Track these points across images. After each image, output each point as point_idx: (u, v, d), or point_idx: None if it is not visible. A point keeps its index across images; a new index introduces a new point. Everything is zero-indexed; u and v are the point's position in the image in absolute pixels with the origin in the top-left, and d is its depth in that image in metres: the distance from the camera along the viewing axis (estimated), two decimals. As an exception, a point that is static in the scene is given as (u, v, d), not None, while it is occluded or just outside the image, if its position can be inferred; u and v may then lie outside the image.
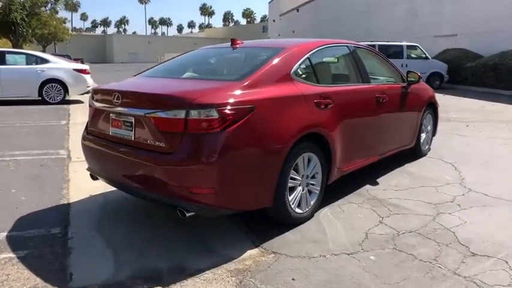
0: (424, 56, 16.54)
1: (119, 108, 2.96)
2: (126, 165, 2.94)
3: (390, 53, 16.01)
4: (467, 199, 3.91)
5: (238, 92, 2.79)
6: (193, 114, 2.59)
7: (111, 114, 3.09)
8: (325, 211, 3.59)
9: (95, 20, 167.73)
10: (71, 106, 10.75)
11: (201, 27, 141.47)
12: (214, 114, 2.59)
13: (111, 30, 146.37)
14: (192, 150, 2.60)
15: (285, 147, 2.94)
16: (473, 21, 18.89)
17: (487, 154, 5.74)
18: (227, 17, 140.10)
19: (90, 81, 11.15)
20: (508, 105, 11.65)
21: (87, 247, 2.97)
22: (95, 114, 3.28)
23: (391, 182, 4.47)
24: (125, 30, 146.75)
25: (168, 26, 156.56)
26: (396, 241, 3.04)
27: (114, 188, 4.07)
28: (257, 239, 3.06)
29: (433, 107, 5.60)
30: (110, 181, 3.26)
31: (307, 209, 3.33)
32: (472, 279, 2.52)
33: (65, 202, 3.84)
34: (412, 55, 16.58)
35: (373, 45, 15.94)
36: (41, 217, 3.48)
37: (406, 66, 15.92)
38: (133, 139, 2.91)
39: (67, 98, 11.13)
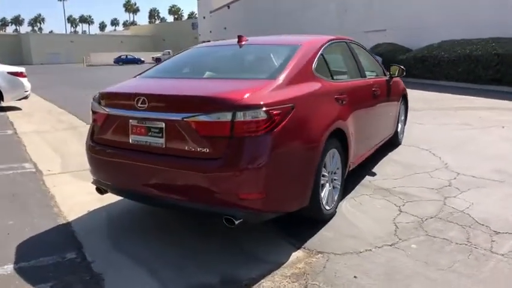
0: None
1: (145, 114, 2.70)
2: (157, 175, 2.70)
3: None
4: (461, 182, 4.19)
5: (278, 91, 2.69)
6: (241, 116, 2.44)
7: (130, 121, 2.80)
8: (344, 205, 3.63)
9: (4, 18, 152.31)
10: (9, 113, 9.64)
11: (125, 24, 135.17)
12: (262, 115, 2.47)
13: (24, 29, 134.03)
14: (240, 154, 2.46)
15: (320, 145, 2.91)
16: (401, 17, 20.32)
17: (452, 139, 6.20)
18: (153, 14, 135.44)
19: (28, 86, 10.08)
20: (442, 94, 12.70)
21: (117, 270, 2.68)
22: (106, 121, 2.95)
23: (385, 171, 4.64)
24: (40, 29, 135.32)
25: (89, 24, 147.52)
26: (425, 228, 3.16)
27: (112, 202, 3.81)
28: (296, 241, 2.99)
29: (405, 98, 5.92)
30: (130, 194, 2.98)
31: (333, 205, 3.33)
32: (510, 256, 2.71)
33: (63, 222, 3.43)
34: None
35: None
36: (45, 242, 3.08)
37: (345, 60, 16.69)
38: (164, 146, 2.67)
39: (2, 104, 9.95)
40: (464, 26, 16.02)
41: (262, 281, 2.51)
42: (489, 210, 3.45)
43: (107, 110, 2.93)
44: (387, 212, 3.48)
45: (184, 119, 2.54)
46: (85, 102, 13.70)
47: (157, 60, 50.46)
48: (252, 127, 2.45)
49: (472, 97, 11.60)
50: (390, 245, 2.90)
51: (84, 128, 7.84)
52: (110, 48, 66.32)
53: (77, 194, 4.10)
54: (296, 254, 2.82)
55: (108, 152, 2.95)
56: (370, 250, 2.84)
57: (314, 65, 3.23)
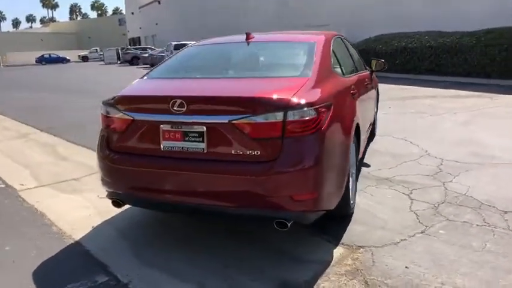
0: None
1: (182, 117, 2.50)
2: (198, 182, 2.53)
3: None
4: (449, 167, 4.48)
5: (316, 89, 2.65)
6: (292, 115, 2.37)
7: (162, 126, 2.59)
8: (357, 197, 3.70)
9: None
10: None
11: (43, 21, 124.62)
12: (312, 114, 2.42)
13: None
14: (294, 155, 2.39)
15: (351, 140, 2.94)
16: (344, 11, 21.14)
17: (419, 128, 6.61)
18: (74, 9, 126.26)
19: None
20: (384, 85, 13.39)
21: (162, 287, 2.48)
22: (129, 128, 2.69)
23: (376, 161, 4.81)
24: None
25: (0, 21, 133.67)
26: (441, 213, 3.33)
27: (114, 215, 3.51)
28: (330, 237, 3.00)
29: (377, 90, 6.18)
30: (160, 204, 2.77)
31: (354, 199, 3.38)
32: (526, 233, 2.96)
33: (71, 241, 3.09)
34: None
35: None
36: (63, 266, 2.75)
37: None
38: (205, 151, 2.50)
39: None
40: (400, 21, 17.08)
41: (319, 281, 2.48)
42: (487, 192, 3.73)
43: (131, 115, 2.67)
44: (400, 201, 3.61)
45: (232, 122, 2.40)
46: (23, 105, 12.61)
47: (85, 59, 47.43)
48: (303, 126, 2.39)
49: (413, 87, 12.45)
50: (421, 233, 3.02)
51: (36, 135, 7.15)
52: (28, 46, 60.82)
53: (69, 209, 3.72)
54: (338, 251, 2.83)
55: (132, 161, 2.71)
56: (406, 240, 2.93)
57: (331, 62, 3.23)
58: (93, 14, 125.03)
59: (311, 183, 2.43)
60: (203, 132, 2.49)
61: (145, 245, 3.02)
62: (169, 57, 3.58)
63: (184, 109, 2.47)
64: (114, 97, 2.81)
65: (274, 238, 3.03)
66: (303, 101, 2.41)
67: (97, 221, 3.45)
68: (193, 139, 2.52)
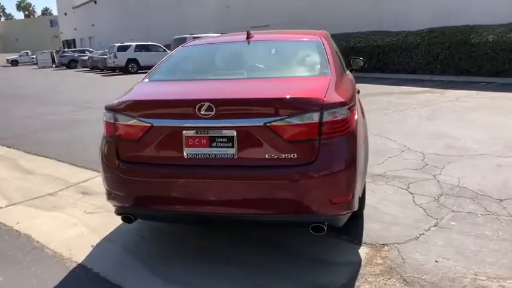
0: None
1: (210, 122, 2.32)
2: (228, 191, 2.37)
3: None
4: (432, 160, 4.67)
5: (340, 87, 2.60)
6: (328, 115, 2.29)
7: (185, 131, 2.39)
8: (361, 195, 3.72)
9: None
10: None
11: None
12: (346, 113, 2.36)
13: None
14: (332, 156, 2.32)
15: (368, 138, 2.93)
16: (283, 12, 21.43)
17: (389, 124, 6.85)
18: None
19: None
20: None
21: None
22: (145, 135, 2.45)
23: (362, 158, 4.89)
24: None
25: None
26: (445, 205, 3.44)
27: (111, 230, 3.23)
28: (351, 238, 2.97)
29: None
30: (183, 216, 2.57)
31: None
32: (527, 218, 3.14)
33: (74, 265, 2.78)
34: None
35: (210, 37, 16.39)
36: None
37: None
38: (235, 157, 2.35)
39: None
40: (347, 21, 17.67)
41: (357, 284, 2.44)
42: (477, 182, 3.92)
43: (149, 121, 2.43)
44: (402, 196, 3.68)
45: (267, 124, 2.27)
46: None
47: (14, 63, 43.77)
48: (338, 126, 2.33)
49: (364, 84, 12.89)
50: (435, 226, 3.09)
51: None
52: None
53: (56, 229, 3.35)
54: (363, 251, 2.81)
55: (149, 172, 2.48)
56: (424, 234, 2.98)
57: (339, 60, 3.21)
58: (19, 15, 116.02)
59: (348, 184, 2.38)
60: (233, 136, 2.34)
61: (159, 261, 2.79)
62: (167, 58, 3.34)
63: (212, 113, 2.30)
64: (123, 102, 2.55)
65: (294, 242, 2.95)
66: (337, 100, 2.34)
67: (94, 239, 3.14)
68: (221, 144, 2.36)
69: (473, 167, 4.39)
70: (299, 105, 2.29)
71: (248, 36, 3.34)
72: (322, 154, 2.30)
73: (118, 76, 21.05)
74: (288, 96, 2.34)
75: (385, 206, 3.50)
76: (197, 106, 2.31)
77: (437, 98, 9.40)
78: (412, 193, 3.75)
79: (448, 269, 2.52)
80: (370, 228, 3.11)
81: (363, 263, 2.66)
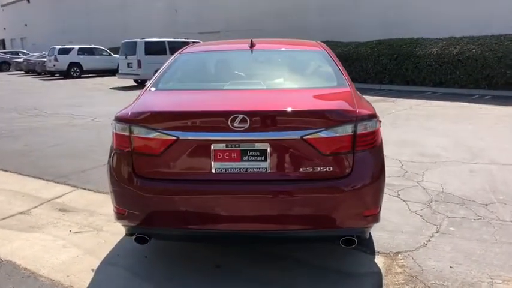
0: (207, 51, 17.71)
1: (243, 135, 2.21)
2: (262, 206, 2.28)
3: (179, 49, 16.29)
4: (411, 167, 4.88)
5: (361, 99, 2.62)
6: (361, 128, 2.29)
7: (213, 145, 2.25)
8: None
9: None
10: None
11: None
12: (375, 126, 2.38)
13: None
14: (365, 169, 2.33)
15: None
16: (235, 20, 21.50)
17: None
18: None
19: None
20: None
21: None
22: (169, 149, 2.28)
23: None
24: None
25: None
26: (439, 211, 3.60)
27: (108, 251, 2.97)
28: (364, 248, 2.99)
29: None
30: (207, 235, 2.42)
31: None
32: (510, 221, 3.38)
33: (78, 292, 2.50)
34: (196, 51, 17.41)
35: (163, 42, 15.96)
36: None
37: (195, 61, 16.73)
38: (268, 171, 2.26)
39: None
40: (295, 31, 18.10)
41: (384, 295, 2.45)
42: (458, 188, 4.16)
43: (175, 134, 2.26)
44: (397, 204, 3.80)
45: (304, 137, 2.21)
46: None
47: None
48: (369, 139, 2.34)
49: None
50: (437, 233, 3.21)
51: None
52: None
53: (42, 252, 3.02)
54: (379, 260, 2.84)
55: (172, 188, 2.30)
56: (430, 241, 3.09)
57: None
58: None
59: (378, 196, 2.40)
60: (266, 150, 2.25)
61: (173, 284, 2.60)
62: (169, 66, 3.14)
63: (246, 125, 2.20)
64: (141, 113, 2.36)
65: (310, 255, 2.91)
66: (368, 113, 2.35)
67: (92, 262, 2.87)
68: (253, 158, 2.26)
69: (449, 173, 4.65)
70: (335, 118, 2.27)
71: (252, 45, 3.26)
72: (357, 167, 2.29)
73: (59, 80, 19.75)
74: (325, 109, 2.32)
75: (384, 214, 3.54)
76: (230, 118, 2.20)
77: (392, 106, 9.90)
78: (404, 200, 3.88)
79: (464, 274, 2.62)
80: (378, 236, 3.16)
81: (383, 272, 2.69)
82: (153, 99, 2.62)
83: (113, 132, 2.50)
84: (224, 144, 2.26)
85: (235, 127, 2.21)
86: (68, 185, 4.49)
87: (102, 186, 4.39)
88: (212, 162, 2.28)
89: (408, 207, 3.71)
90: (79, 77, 20.70)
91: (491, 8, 13.23)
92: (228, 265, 2.81)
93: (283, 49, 3.54)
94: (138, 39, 15.35)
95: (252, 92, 2.68)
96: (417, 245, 3.02)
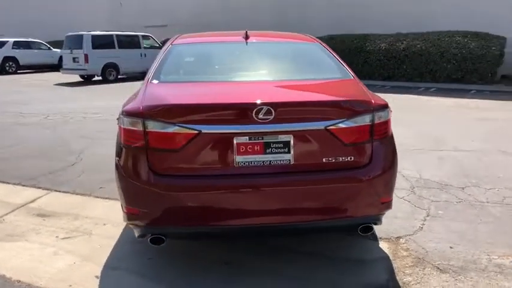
0: (157, 45, 17.15)
1: (268, 127, 2.17)
2: (286, 198, 2.26)
3: (128, 43, 15.73)
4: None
5: (369, 90, 2.67)
6: (378, 117, 2.35)
7: (236, 138, 2.19)
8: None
9: None
10: None
11: None
12: (387, 115, 2.45)
13: None
14: (383, 158, 2.40)
15: None
16: (181, 13, 20.99)
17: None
18: None
19: None
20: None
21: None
22: (189, 144, 2.18)
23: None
24: None
25: None
26: (423, 196, 3.80)
27: (106, 255, 2.82)
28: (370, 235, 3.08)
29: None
30: (227, 231, 2.37)
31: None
32: (490, 201, 3.65)
33: (88, 301, 2.32)
34: (145, 45, 16.81)
35: (111, 35, 15.23)
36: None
37: (145, 55, 16.16)
38: (292, 162, 2.24)
39: None
40: (247, 25, 18.09)
41: (398, 278, 2.56)
42: (434, 174, 4.42)
43: (197, 128, 2.16)
44: (383, 191, 3.95)
45: (327, 128, 2.22)
46: None
47: None
48: (384, 128, 2.42)
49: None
50: (428, 216, 3.40)
51: None
52: None
53: (33, 262, 2.79)
54: (384, 246, 2.95)
55: (193, 184, 2.21)
56: (424, 224, 3.26)
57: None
58: None
59: (393, 184, 2.48)
60: (289, 141, 2.24)
61: (185, 283, 2.51)
62: (165, 58, 2.97)
63: (271, 117, 2.16)
64: (157, 106, 2.23)
65: (315, 246, 2.94)
66: (382, 103, 2.42)
67: (93, 268, 2.68)
68: (276, 150, 2.23)
69: (421, 161, 4.92)
70: (356, 108, 2.31)
71: (247, 36, 3.20)
72: (375, 156, 2.36)
73: (-8, 77, 18.13)
74: (347, 99, 2.35)
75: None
76: (255, 110, 2.15)
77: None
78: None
79: (464, 253, 2.80)
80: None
81: (391, 257, 2.79)
82: (164, 92, 2.49)
83: (120, 127, 2.35)
84: (247, 137, 2.21)
85: (260, 119, 2.17)
86: (39, 188, 4.15)
87: (78, 188, 4.13)
88: (235, 156, 2.22)
89: (395, 194, 3.86)
90: (15, 72, 19.11)
91: (435, 5, 14.08)
92: (237, 261, 2.76)
93: (279, 41, 3.52)
94: (85, 32, 14.49)
95: (269, 84, 2.65)
96: (414, 229, 3.18)
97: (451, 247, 2.89)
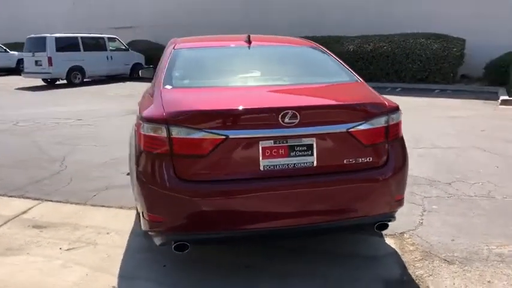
0: (124, 47, 16.74)
1: (293, 131, 2.22)
2: (310, 200, 2.32)
3: (94, 45, 15.24)
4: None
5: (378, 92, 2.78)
6: (390, 119, 2.46)
7: (261, 142, 2.22)
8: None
9: None
10: None
11: None
12: (399, 117, 2.57)
13: None
14: (397, 157, 2.52)
15: None
16: (146, 14, 20.59)
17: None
18: None
19: None
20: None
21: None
22: (215, 149, 2.18)
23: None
24: None
25: None
26: (415, 192, 3.98)
27: (119, 265, 2.76)
28: (368, 231, 3.19)
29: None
30: (252, 235, 2.40)
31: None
32: (478, 195, 3.89)
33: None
34: (111, 47, 16.35)
35: (76, 38, 14.70)
36: None
37: (112, 58, 15.74)
38: (315, 165, 2.30)
39: None
40: (215, 27, 18.02)
41: (411, 271, 2.68)
42: (420, 171, 4.60)
43: (224, 133, 2.17)
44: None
45: (349, 130, 2.30)
46: None
47: None
48: (397, 129, 2.54)
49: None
50: (425, 211, 3.57)
51: None
52: None
53: (44, 276, 2.69)
54: (389, 241, 3.09)
55: (221, 189, 2.22)
56: (423, 219, 3.42)
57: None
58: None
59: (405, 182, 2.61)
60: (312, 144, 2.30)
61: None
62: (172, 63, 2.91)
63: (296, 121, 2.21)
64: (182, 112, 2.22)
65: (326, 246, 3.02)
66: (394, 105, 2.53)
67: (109, 279, 2.62)
68: (300, 153, 2.29)
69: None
70: (374, 110, 2.41)
71: (249, 41, 3.23)
72: (391, 156, 2.47)
73: None
74: (366, 102, 2.44)
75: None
76: (281, 114, 2.19)
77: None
78: (381, 185, 4.21)
79: (466, 245, 2.97)
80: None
81: (399, 252, 2.92)
82: (184, 98, 2.47)
83: (140, 133, 2.31)
84: (272, 141, 2.25)
85: (286, 123, 2.22)
86: (28, 198, 3.97)
87: (71, 196, 3.99)
88: (260, 160, 2.25)
89: (389, 192, 4.04)
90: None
91: (397, 8, 14.63)
92: (257, 264, 2.78)
93: (281, 45, 3.58)
94: (48, 35, 13.87)
95: (288, 88, 2.74)
96: (414, 224, 3.33)
97: (452, 240, 3.06)
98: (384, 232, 3.17)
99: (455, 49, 12.07)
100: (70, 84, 14.28)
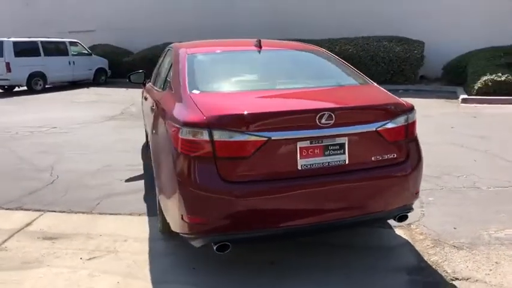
0: (86, 52, 16.21)
1: (328, 131, 2.37)
2: (343, 196, 2.48)
3: (55, 50, 14.63)
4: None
5: (390, 93, 2.99)
6: (409, 118, 2.67)
7: (299, 143, 2.34)
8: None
9: None
10: None
11: None
12: (415, 116, 2.78)
13: None
14: (416, 153, 2.74)
15: None
16: (108, 17, 20.03)
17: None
18: None
19: None
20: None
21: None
22: (258, 150, 2.29)
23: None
24: None
25: None
26: (409, 187, 4.25)
27: (147, 270, 2.77)
28: (382, 224, 3.40)
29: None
30: (289, 232, 2.51)
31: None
32: (464, 187, 4.23)
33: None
34: (73, 52, 15.78)
35: (35, 42, 14.06)
36: None
37: (74, 63, 15.20)
38: (346, 162, 2.46)
39: None
40: (176, 31, 17.80)
41: (427, 258, 2.90)
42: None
43: (267, 135, 2.27)
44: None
45: (377, 129, 2.48)
46: None
47: None
48: (414, 127, 2.75)
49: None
50: (424, 203, 3.83)
51: None
52: None
53: (74, 285, 2.64)
54: (400, 232, 3.31)
55: (263, 189, 2.33)
56: (424, 210, 3.68)
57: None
58: None
59: (421, 176, 2.82)
60: (344, 143, 2.45)
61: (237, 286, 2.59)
62: (187, 68, 2.94)
63: (332, 122, 2.36)
64: (225, 116, 2.31)
65: (340, 239, 3.19)
66: (412, 105, 2.75)
67: (144, 285, 2.64)
68: (333, 152, 2.44)
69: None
70: (397, 110, 2.62)
71: (260, 45, 3.34)
72: (411, 152, 2.68)
73: None
74: (391, 102, 2.65)
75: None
76: (318, 115, 2.33)
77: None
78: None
79: (468, 232, 3.25)
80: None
81: (411, 241, 3.15)
82: (220, 102, 2.55)
83: (179, 137, 2.35)
84: (309, 141, 2.39)
85: (322, 124, 2.36)
86: (28, 210, 3.83)
87: (73, 206, 3.90)
88: (298, 159, 2.38)
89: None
90: None
91: (360, 12, 15.23)
92: (281, 261, 2.89)
93: (292, 50, 3.73)
94: (5, 39, 13.16)
95: (319, 91, 2.93)
96: (418, 215, 3.58)
97: (454, 228, 3.33)
98: (392, 224, 3.42)
99: (416, 51, 12.80)
100: (31, 91, 13.61)
